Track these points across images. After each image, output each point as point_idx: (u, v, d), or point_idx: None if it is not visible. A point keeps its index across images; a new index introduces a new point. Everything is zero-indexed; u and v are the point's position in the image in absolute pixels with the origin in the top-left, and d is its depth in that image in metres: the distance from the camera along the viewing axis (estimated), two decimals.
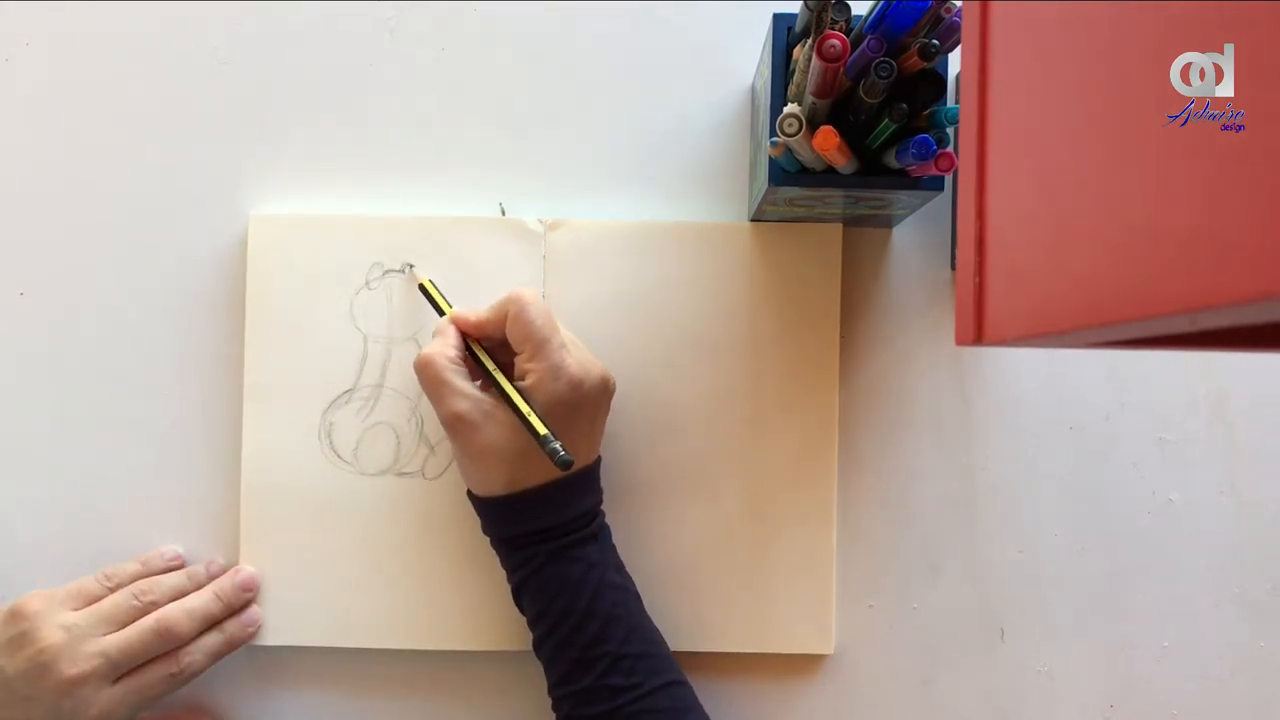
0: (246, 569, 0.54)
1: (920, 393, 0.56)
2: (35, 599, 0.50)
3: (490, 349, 0.51)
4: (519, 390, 0.48)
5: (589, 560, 0.49)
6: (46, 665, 0.48)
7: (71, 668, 0.48)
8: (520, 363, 0.49)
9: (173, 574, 0.54)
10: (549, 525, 0.49)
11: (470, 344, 0.51)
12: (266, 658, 0.56)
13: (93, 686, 0.48)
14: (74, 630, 0.49)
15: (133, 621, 0.50)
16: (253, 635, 0.54)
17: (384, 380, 0.55)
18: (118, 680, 0.49)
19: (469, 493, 0.51)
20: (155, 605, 0.51)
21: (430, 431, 0.55)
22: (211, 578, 0.54)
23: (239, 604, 0.53)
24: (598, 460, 0.52)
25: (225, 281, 0.56)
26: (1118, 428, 0.56)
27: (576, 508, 0.49)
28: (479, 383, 0.50)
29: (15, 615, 0.49)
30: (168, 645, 0.50)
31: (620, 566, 0.51)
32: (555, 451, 0.46)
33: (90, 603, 0.51)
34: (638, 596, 0.52)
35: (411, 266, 0.55)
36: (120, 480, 0.56)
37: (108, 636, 0.49)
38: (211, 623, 0.52)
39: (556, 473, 0.48)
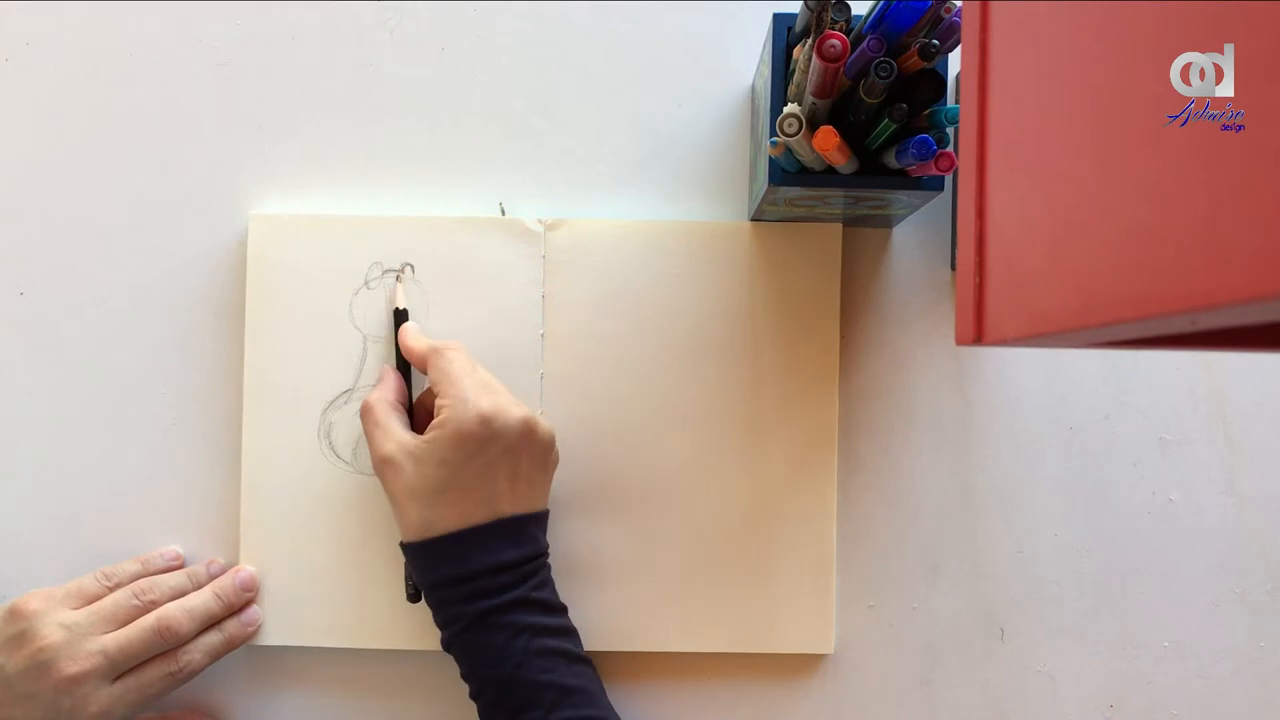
0: (246, 569, 0.54)
1: (920, 393, 0.56)
2: (35, 598, 0.50)
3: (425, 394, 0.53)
4: (430, 429, 0.49)
5: (515, 626, 0.48)
6: (46, 663, 0.48)
7: (71, 666, 0.48)
8: (436, 402, 0.49)
9: (173, 573, 0.54)
10: (462, 574, 0.48)
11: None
12: (266, 658, 0.56)
13: (92, 685, 0.48)
14: (74, 629, 0.49)
15: (132, 620, 0.50)
16: (253, 635, 0.54)
17: None
18: (117, 679, 0.49)
19: (400, 544, 0.51)
20: (155, 604, 0.51)
21: None
22: (212, 577, 0.54)
23: (239, 603, 0.53)
24: (537, 515, 0.50)
25: (225, 281, 0.56)
26: (1118, 428, 0.56)
27: (495, 558, 0.48)
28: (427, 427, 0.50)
29: (15, 614, 0.49)
30: (167, 644, 0.50)
31: (558, 630, 0.49)
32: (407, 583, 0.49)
33: (90, 602, 0.51)
34: (580, 659, 0.50)
35: (398, 277, 0.55)
36: (120, 480, 0.56)
37: (107, 635, 0.49)
38: (211, 622, 0.52)
39: (471, 521, 0.48)
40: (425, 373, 0.51)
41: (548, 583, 0.50)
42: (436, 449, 0.48)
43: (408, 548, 0.50)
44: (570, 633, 0.50)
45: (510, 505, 0.49)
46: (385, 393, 0.52)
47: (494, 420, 0.48)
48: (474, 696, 0.49)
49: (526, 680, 0.47)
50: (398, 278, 0.55)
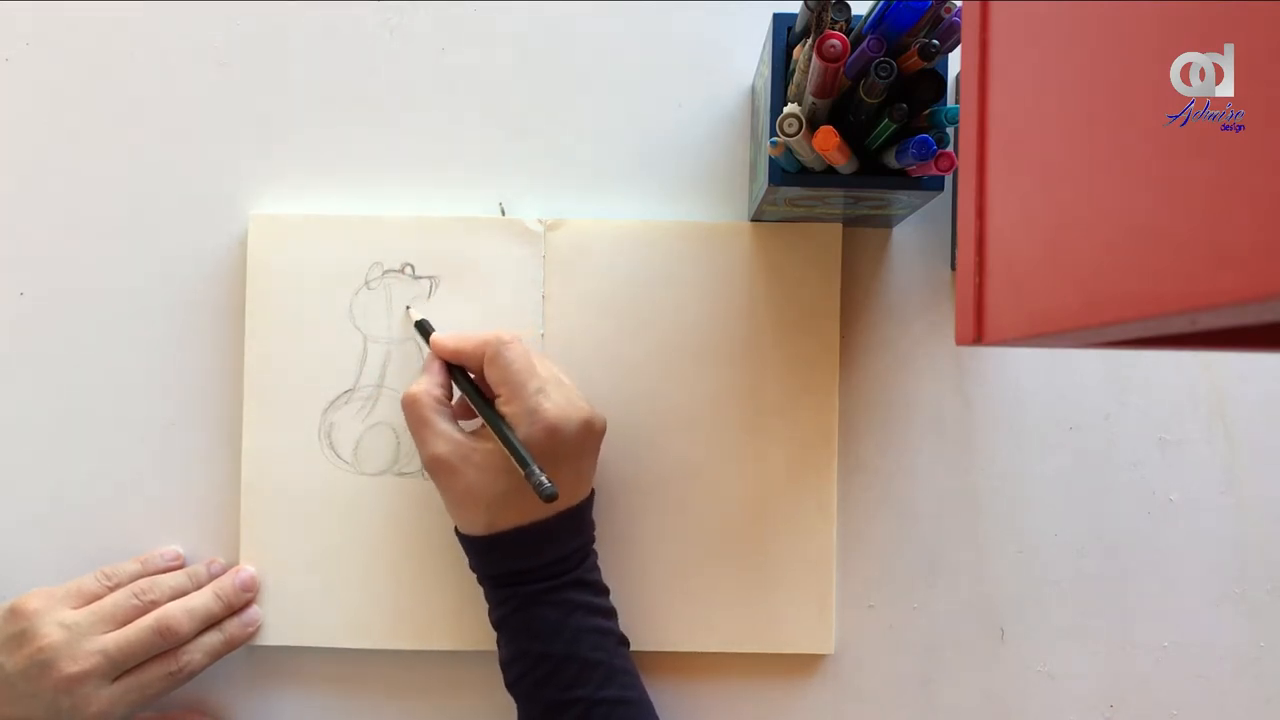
0: (247, 569, 0.54)
1: (920, 393, 0.56)
2: (35, 597, 0.50)
3: (476, 381, 0.51)
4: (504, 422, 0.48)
5: (571, 604, 0.48)
6: (46, 663, 0.48)
7: (71, 665, 0.48)
8: (498, 405, 0.49)
9: (173, 573, 0.54)
10: (529, 566, 0.48)
11: (455, 378, 0.51)
12: (266, 658, 0.56)
13: (93, 684, 0.48)
14: (74, 628, 0.49)
15: (132, 620, 0.51)
16: (253, 635, 0.54)
17: (384, 380, 0.55)
18: (117, 679, 0.49)
19: (455, 529, 0.51)
20: (155, 604, 0.51)
21: None
22: (212, 577, 0.54)
23: (239, 604, 0.53)
24: (588, 500, 0.51)
25: (225, 281, 0.56)
26: (1118, 428, 0.56)
27: (558, 550, 0.49)
28: (472, 422, 0.50)
29: (15, 613, 0.49)
30: (167, 644, 0.50)
31: (607, 610, 0.51)
32: (540, 484, 0.45)
33: (90, 601, 0.51)
34: (622, 640, 0.51)
35: (408, 308, 0.55)
36: (120, 480, 0.56)
37: (107, 635, 0.49)
38: (212, 622, 0.52)
39: (536, 515, 0.48)
40: (475, 371, 0.50)
41: (596, 564, 0.51)
42: (502, 459, 0.47)
43: (469, 540, 0.49)
44: (614, 614, 0.51)
45: (571, 497, 0.49)
46: (429, 385, 0.49)
47: (560, 430, 0.47)
48: (516, 680, 0.49)
49: (579, 657, 0.48)
50: (408, 306, 0.55)
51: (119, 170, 0.57)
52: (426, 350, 0.53)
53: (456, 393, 0.52)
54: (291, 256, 0.55)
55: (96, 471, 0.56)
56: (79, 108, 0.57)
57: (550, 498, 0.45)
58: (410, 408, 0.49)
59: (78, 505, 0.56)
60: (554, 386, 0.49)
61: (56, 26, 0.57)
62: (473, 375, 0.51)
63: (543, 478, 0.45)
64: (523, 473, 0.46)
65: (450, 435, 0.48)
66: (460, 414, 0.51)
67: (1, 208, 0.57)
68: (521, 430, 0.47)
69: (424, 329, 0.54)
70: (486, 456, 0.48)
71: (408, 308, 0.55)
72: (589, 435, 0.49)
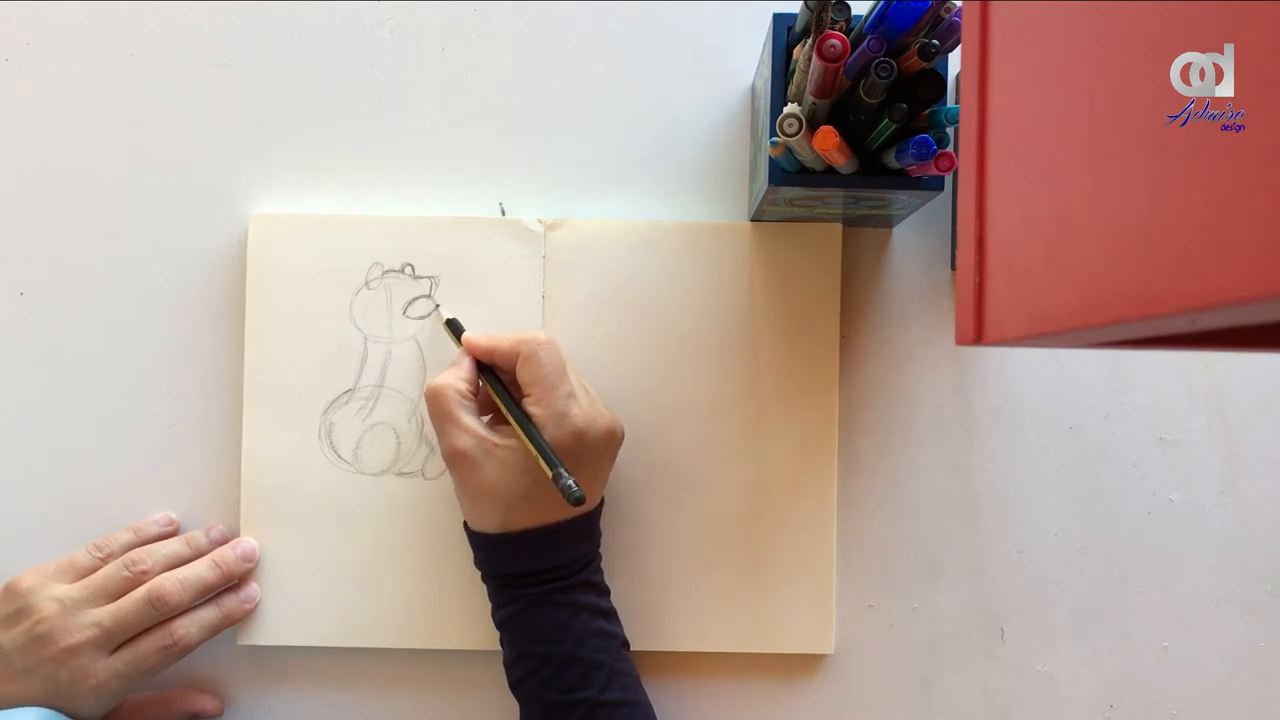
0: (248, 540, 0.54)
1: (920, 393, 0.56)
2: (28, 575, 0.50)
3: (504, 382, 0.51)
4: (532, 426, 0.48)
5: (576, 605, 0.49)
6: (42, 637, 0.48)
7: (67, 638, 0.48)
8: (527, 405, 0.48)
9: (169, 541, 0.54)
10: (539, 568, 0.48)
11: (485, 377, 0.50)
12: (266, 658, 0.56)
13: (89, 656, 0.48)
14: (68, 602, 0.49)
15: (125, 592, 0.50)
16: (250, 611, 0.54)
17: (384, 380, 0.55)
18: (114, 651, 0.49)
19: (464, 524, 0.51)
20: (147, 575, 0.51)
21: (430, 432, 0.55)
22: (213, 543, 0.54)
23: (238, 573, 0.53)
24: (598, 507, 0.51)
25: (225, 281, 0.56)
26: (1118, 428, 0.56)
27: (568, 553, 0.49)
28: (488, 417, 0.50)
29: (9, 592, 0.50)
30: (160, 614, 0.50)
31: (610, 612, 0.51)
32: (568, 488, 0.45)
33: (83, 575, 0.51)
34: (625, 643, 0.51)
35: (437, 305, 0.55)
36: (120, 481, 0.56)
37: (102, 608, 0.50)
38: (207, 592, 0.52)
39: (550, 518, 0.48)
40: (505, 368, 0.50)
41: (600, 566, 0.52)
42: (523, 458, 0.48)
43: (480, 537, 0.49)
44: (616, 615, 0.51)
45: (586, 503, 0.49)
46: (455, 379, 0.49)
47: (586, 435, 0.48)
48: (519, 680, 0.49)
49: (583, 659, 0.48)
50: (437, 305, 0.55)
51: (119, 170, 0.57)
52: (457, 348, 0.53)
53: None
54: (291, 256, 0.55)
55: (96, 472, 0.56)
56: (79, 108, 0.57)
57: (578, 501, 0.45)
58: (435, 399, 0.49)
59: (78, 506, 0.56)
60: (581, 392, 0.49)
61: (57, 26, 0.57)
62: (501, 376, 0.51)
63: (570, 481, 0.45)
64: (549, 474, 0.46)
65: (474, 429, 0.48)
66: (481, 411, 0.51)
67: (2, 208, 0.57)
68: (549, 432, 0.47)
69: (455, 327, 0.54)
70: (508, 454, 0.48)
71: (437, 305, 0.55)
72: (610, 443, 0.49)
